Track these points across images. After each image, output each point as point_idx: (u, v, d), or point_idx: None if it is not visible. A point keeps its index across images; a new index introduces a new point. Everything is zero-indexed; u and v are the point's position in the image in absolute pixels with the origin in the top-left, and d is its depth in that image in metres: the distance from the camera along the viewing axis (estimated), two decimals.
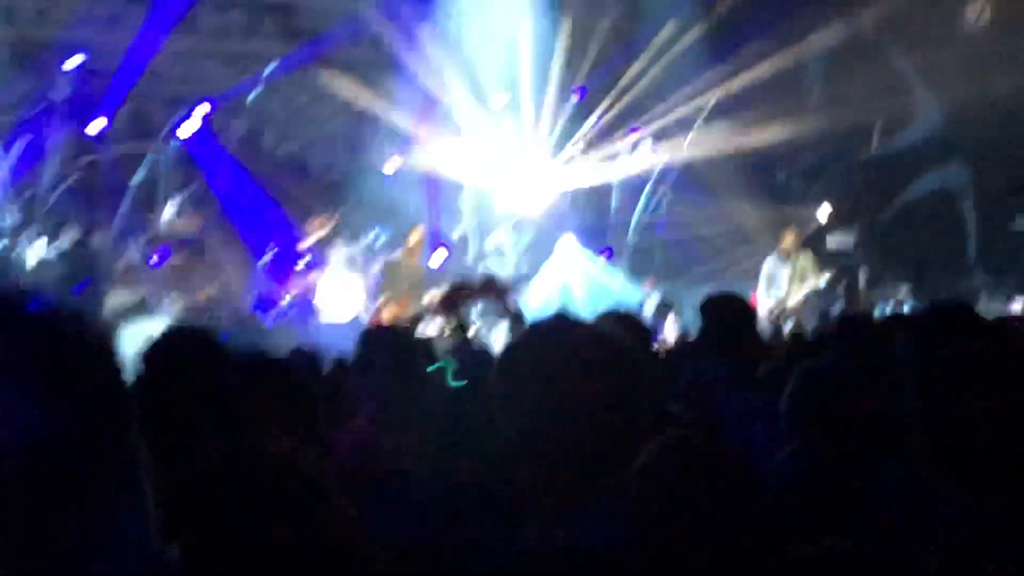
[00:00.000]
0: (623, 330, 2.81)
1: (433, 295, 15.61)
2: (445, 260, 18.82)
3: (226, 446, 2.35)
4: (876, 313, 15.90)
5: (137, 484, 1.93)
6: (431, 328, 12.49)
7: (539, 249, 19.84)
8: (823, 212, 19.73)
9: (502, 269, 18.85)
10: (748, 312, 6.09)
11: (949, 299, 7.26)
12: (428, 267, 17.48)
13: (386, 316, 15.88)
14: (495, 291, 5.82)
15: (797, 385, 4.32)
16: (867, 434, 4.09)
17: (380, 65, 20.57)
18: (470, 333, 5.80)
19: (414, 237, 16.76)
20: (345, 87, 20.24)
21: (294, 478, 2.28)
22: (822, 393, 4.22)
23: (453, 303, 5.95)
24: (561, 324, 2.65)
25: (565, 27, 20.26)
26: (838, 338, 5.68)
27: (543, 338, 2.63)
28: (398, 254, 16.84)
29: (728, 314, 5.89)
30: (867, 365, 4.86)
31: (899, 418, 3.25)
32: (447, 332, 6.27)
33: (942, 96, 19.05)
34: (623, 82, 20.35)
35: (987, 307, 16.19)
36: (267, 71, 19.49)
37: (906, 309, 16.90)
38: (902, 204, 20.49)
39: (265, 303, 18.01)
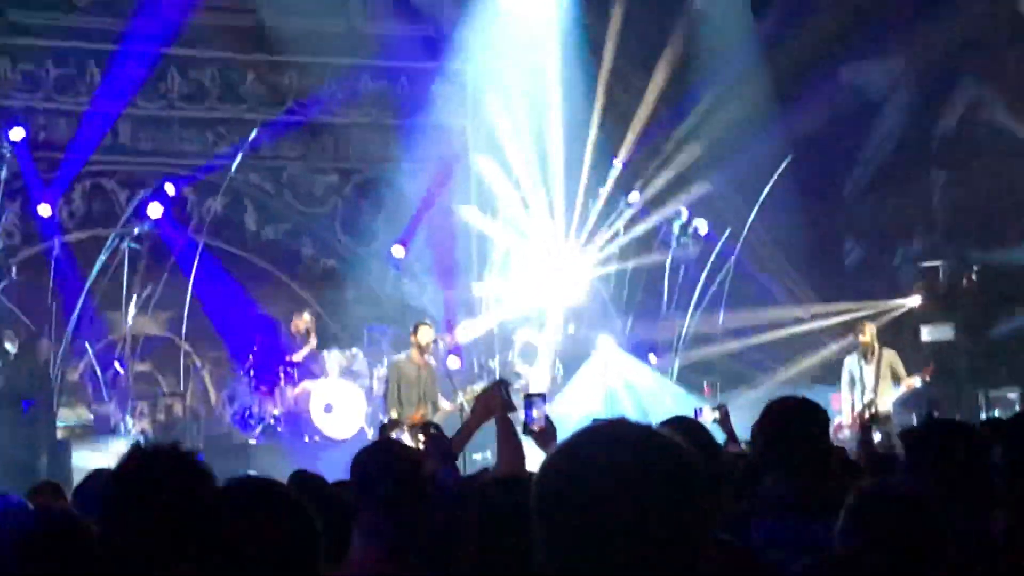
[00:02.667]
0: (686, 439, 2.78)
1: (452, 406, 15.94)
2: (461, 365, 19.02)
3: None
4: (983, 418, 16.80)
5: None
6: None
7: (575, 349, 19.89)
8: (914, 299, 20.10)
9: (531, 373, 19.09)
10: (819, 419, 5.93)
11: None
12: (444, 370, 17.41)
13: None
14: (502, 404, 6.18)
15: (851, 513, 4.11)
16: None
17: (385, 128, 21.18)
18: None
19: (424, 336, 16.50)
20: (342, 156, 20.92)
21: None
22: (882, 522, 4.03)
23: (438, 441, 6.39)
24: (612, 427, 2.65)
25: (601, 86, 20.50)
26: (922, 450, 5.49)
27: (589, 442, 2.63)
28: (405, 355, 16.68)
29: (795, 423, 5.80)
30: (956, 483, 4.85)
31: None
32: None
33: None
34: (671, 147, 20.68)
35: None
36: (249, 139, 19.63)
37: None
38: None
39: (248, 417, 17.99)
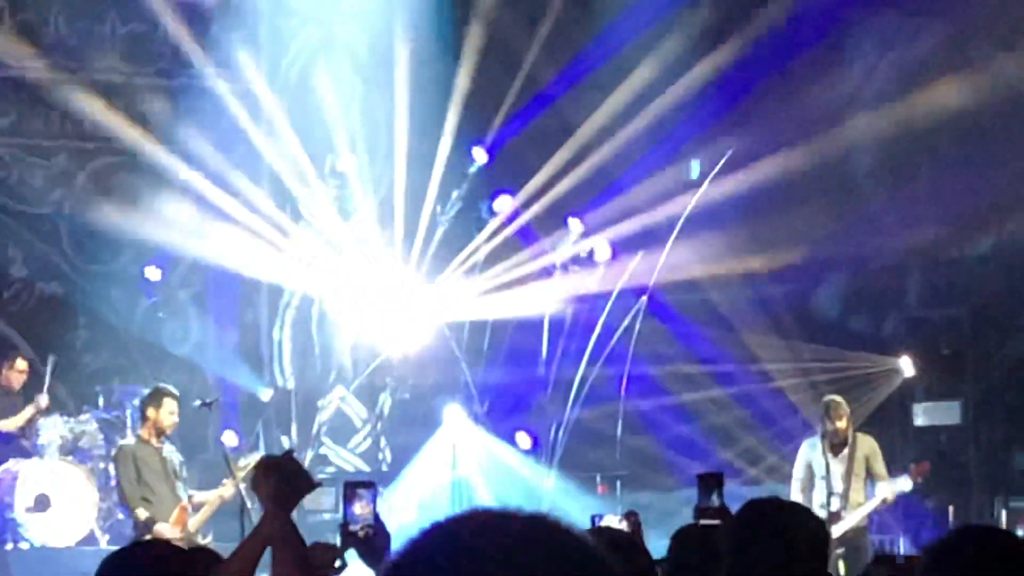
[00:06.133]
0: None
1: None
2: (240, 442, 18.65)
3: None
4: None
5: None
6: None
7: (411, 420, 20.52)
8: (905, 364, 19.82)
9: (345, 456, 20.48)
10: (818, 536, 6.19)
11: None
12: (221, 448, 17.01)
13: (162, 532, 15.70)
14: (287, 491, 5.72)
15: None
16: None
17: (140, 88, 20.61)
18: None
19: (168, 413, 16.37)
20: (73, 130, 20.56)
21: None
22: None
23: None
24: (482, 521, 2.62)
25: (468, 55, 20.45)
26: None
27: (450, 543, 2.59)
28: (135, 438, 16.63)
29: (781, 539, 5.92)
30: None
31: None
32: None
33: None
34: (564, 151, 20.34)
35: None
36: None
37: None
38: None
39: None
